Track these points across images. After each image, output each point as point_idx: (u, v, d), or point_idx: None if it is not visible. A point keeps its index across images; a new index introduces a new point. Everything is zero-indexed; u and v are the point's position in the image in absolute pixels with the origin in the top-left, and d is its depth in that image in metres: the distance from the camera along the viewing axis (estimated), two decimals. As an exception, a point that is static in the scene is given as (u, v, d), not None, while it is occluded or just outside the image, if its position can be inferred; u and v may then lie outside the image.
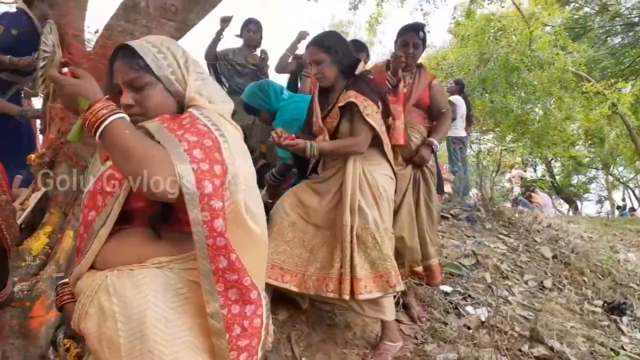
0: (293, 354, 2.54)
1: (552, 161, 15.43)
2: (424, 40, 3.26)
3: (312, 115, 2.80)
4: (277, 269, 2.61)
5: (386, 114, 2.78)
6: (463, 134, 7.34)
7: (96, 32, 2.75)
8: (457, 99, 7.22)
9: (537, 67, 9.36)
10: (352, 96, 2.56)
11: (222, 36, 4.70)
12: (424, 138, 3.19)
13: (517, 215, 6.54)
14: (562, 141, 10.84)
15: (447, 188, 7.78)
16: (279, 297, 2.79)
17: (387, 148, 2.71)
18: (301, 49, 4.42)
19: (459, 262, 4.42)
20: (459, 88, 7.36)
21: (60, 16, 2.79)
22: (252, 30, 4.74)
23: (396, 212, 3.04)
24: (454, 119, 7.29)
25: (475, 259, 4.57)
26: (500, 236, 5.55)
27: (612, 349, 3.30)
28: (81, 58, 2.69)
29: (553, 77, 9.49)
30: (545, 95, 9.74)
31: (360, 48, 4.03)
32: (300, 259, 2.62)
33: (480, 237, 5.37)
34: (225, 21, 4.63)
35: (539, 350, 2.92)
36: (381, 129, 2.63)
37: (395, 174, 2.81)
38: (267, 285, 2.62)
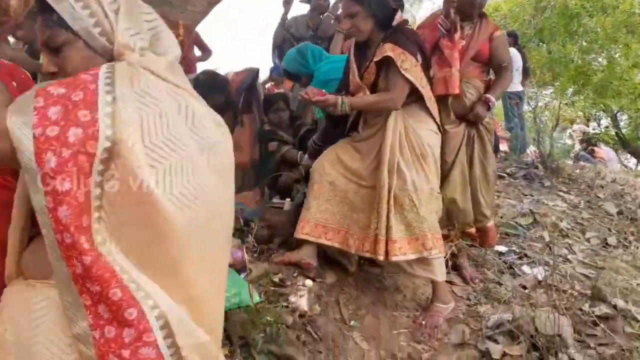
0: (342, 316, 2.53)
1: (618, 114, 14.51)
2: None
3: (349, 73, 2.69)
4: (320, 227, 2.61)
5: (427, 65, 2.65)
6: (519, 88, 6.97)
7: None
8: (512, 51, 6.83)
9: (599, 12, 8.67)
10: (388, 49, 2.43)
11: (287, 18, 4.57)
12: (481, 94, 2.98)
13: (578, 171, 6.21)
14: (629, 92, 10.08)
15: (503, 146, 7.50)
16: (326, 260, 2.79)
17: (430, 102, 2.59)
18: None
19: (516, 222, 4.26)
20: (512, 40, 6.95)
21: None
22: None
23: (448, 172, 2.95)
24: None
25: (533, 218, 4.39)
26: (560, 194, 5.29)
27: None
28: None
29: (618, 21, 8.77)
30: (609, 42, 9.01)
31: None
32: (342, 216, 2.60)
33: (539, 195, 5.15)
34: (288, 3, 4.51)
35: (601, 308, 2.77)
36: (421, 82, 2.49)
37: (441, 129, 2.71)
38: (312, 245, 2.66)
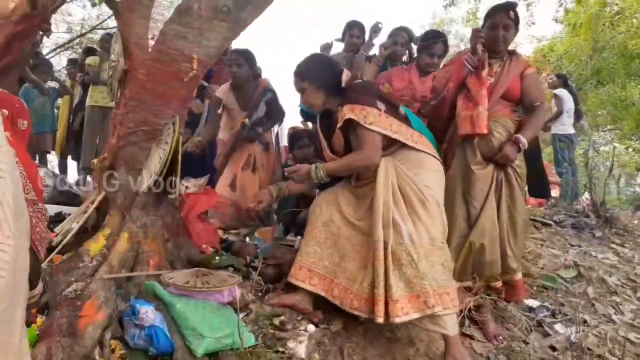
0: (345, 367, 2.35)
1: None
2: (515, 21, 2.86)
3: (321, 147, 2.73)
4: (305, 270, 2.54)
5: (394, 106, 2.60)
6: (571, 130, 6.62)
7: (152, 38, 2.80)
8: (562, 92, 6.55)
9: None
10: (347, 112, 2.42)
11: (372, 44, 4.51)
12: (510, 134, 2.79)
13: (636, 222, 5.74)
14: None
15: (554, 192, 7.08)
16: (333, 305, 2.63)
17: (413, 141, 2.52)
18: (378, 42, 4.21)
19: (557, 274, 3.93)
20: (562, 81, 6.67)
21: (124, 26, 2.89)
22: (354, 35, 4.39)
23: (477, 217, 2.77)
24: (559, 114, 6.63)
25: (577, 271, 4.04)
26: (613, 246, 4.89)
27: None
28: (139, 64, 2.76)
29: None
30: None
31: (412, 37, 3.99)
32: (330, 262, 2.51)
33: (587, 246, 4.77)
34: (376, 31, 4.51)
35: (644, 380, 2.46)
36: (392, 128, 2.46)
37: (443, 164, 2.67)
38: (305, 290, 2.55)
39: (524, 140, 2.72)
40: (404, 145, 2.50)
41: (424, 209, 2.36)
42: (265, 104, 4.06)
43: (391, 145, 2.51)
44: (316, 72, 2.57)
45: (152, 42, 2.78)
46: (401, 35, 4.02)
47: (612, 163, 5.66)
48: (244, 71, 3.88)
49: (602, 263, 4.37)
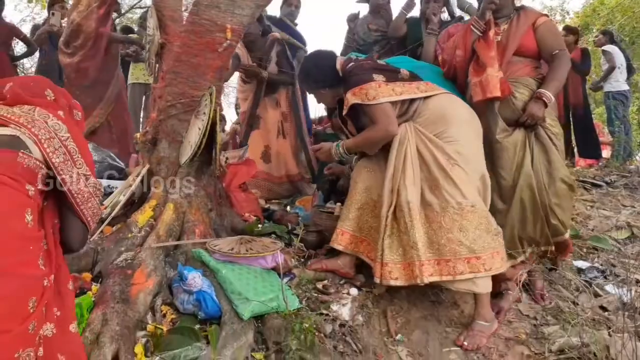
0: (388, 329, 2.37)
1: None
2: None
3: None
4: (347, 235, 2.60)
5: (393, 71, 2.56)
6: (625, 87, 6.29)
7: (186, 9, 2.81)
8: (612, 48, 6.22)
9: None
10: (350, 97, 2.44)
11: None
12: (534, 92, 2.58)
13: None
14: None
15: (606, 152, 6.80)
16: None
17: (428, 94, 2.52)
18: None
19: (609, 235, 3.79)
20: (608, 38, 6.30)
21: (159, 0, 2.93)
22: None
23: (511, 190, 2.59)
24: (611, 70, 6.29)
25: (630, 232, 3.89)
26: (668, 205, 4.66)
27: None
28: (174, 37, 2.79)
29: None
30: None
31: None
32: (370, 226, 2.54)
33: (641, 206, 4.57)
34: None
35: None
36: (395, 92, 2.45)
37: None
38: (347, 255, 2.60)
39: (548, 94, 2.51)
40: (415, 101, 2.48)
41: (445, 174, 2.31)
42: (275, 54, 4.16)
43: (406, 107, 2.49)
44: (313, 77, 2.65)
45: (185, 14, 2.80)
46: None
47: (668, 119, 5.36)
48: (253, 27, 3.85)
49: (657, 223, 4.18)
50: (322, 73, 2.61)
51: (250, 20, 2.73)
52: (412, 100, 2.48)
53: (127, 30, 6.44)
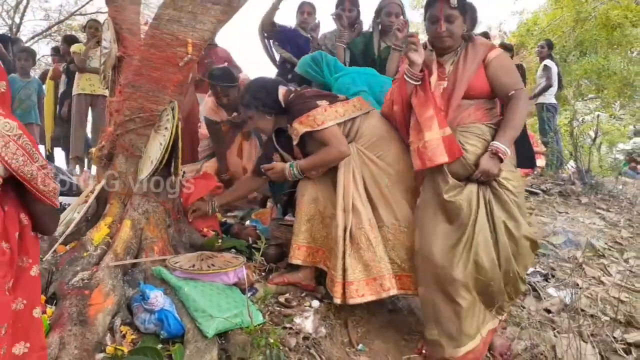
0: (349, 340, 2.43)
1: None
2: (461, 8, 2.26)
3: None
4: (303, 248, 2.63)
5: (332, 96, 2.67)
6: (554, 100, 6.72)
7: (145, 23, 2.78)
8: (552, 64, 6.61)
9: (643, 22, 8.27)
10: (297, 127, 2.52)
11: (278, 8, 4.55)
12: (489, 142, 2.21)
13: (620, 187, 5.89)
14: None
15: (540, 161, 7.21)
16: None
17: (358, 110, 2.61)
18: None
19: (547, 241, 4.04)
20: (548, 50, 6.71)
21: (116, 12, 2.89)
22: (347, 9, 4.28)
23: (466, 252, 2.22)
24: (549, 86, 6.69)
25: (566, 237, 4.16)
26: (599, 211, 5.03)
27: None
28: (133, 50, 2.76)
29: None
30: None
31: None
32: (321, 236, 2.63)
33: (574, 213, 4.90)
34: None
35: (634, 336, 2.57)
36: (339, 113, 2.53)
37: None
38: (307, 267, 2.65)
39: (503, 148, 2.14)
40: (355, 120, 2.57)
41: (383, 193, 2.46)
42: None
43: (349, 127, 2.57)
44: (259, 100, 2.66)
45: (145, 28, 2.77)
46: (395, 4, 3.86)
47: (596, 131, 5.79)
48: (232, 95, 3.85)
49: (589, 228, 4.50)
50: (269, 98, 2.66)
51: (210, 36, 2.74)
52: (353, 120, 2.57)
53: (71, 39, 6.23)
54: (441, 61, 2.33)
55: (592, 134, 5.76)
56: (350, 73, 3.22)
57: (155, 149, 2.47)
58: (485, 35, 5.95)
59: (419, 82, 2.27)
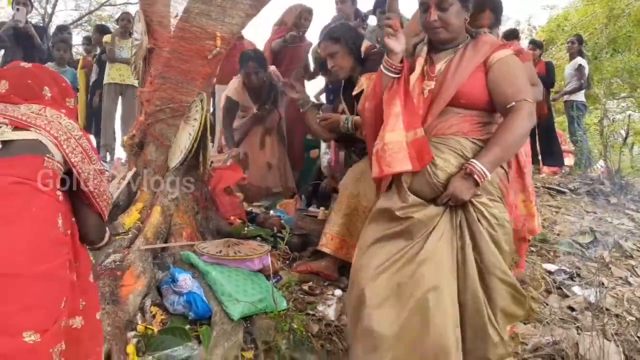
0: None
1: None
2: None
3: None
4: (336, 239, 2.64)
5: None
6: (584, 99, 6.61)
7: (176, 16, 2.85)
8: (584, 62, 6.48)
9: (679, 19, 8.05)
10: (364, 81, 2.50)
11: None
12: (466, 160, 1.75)
13: (651, 188, 5.76)
14: None
15: (569, 160, 7.11)
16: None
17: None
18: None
19: (573, 240, 4.00)
20: (579, 46, 6.56)
21: (147, 5, 2.96)
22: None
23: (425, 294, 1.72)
24: (581, 87, 6.57)
25: (593, 237, 4.11)
26: (628, 212, 4.93)
27: None
28: (163, 42, 2.83)
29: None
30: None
31: None
32: (355, 230, 2.58)
33: (603, 213, 4.82)
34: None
35: (661, 337, 2.54)
36: None
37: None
38: (330, 258, 2.66)
39: (480, 168, 1.68)
40: None
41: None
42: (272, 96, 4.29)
43: None
44: (349, 37, 2.67)
45: (175, 21, 2.83)
46: None
47: (627, 131, 5.66)
48: (260, 76, 4.00)
49: (618, 228, 4.42)
50: (357, 40, 2.70)
51: (239, 29, 2.80)
52: None
53: (103, 29, 6.38)
54: (435, 58, 1.90)
55: (623, 133, 5.64)
56: None
57: (184, 139, 2.54)
58: (514, 33, 5.87)
59: (398, 75, 1.86)
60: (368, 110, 1.97)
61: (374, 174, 1.87)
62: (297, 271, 2.67)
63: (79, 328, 1.40)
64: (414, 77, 1.85)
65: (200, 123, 2.46)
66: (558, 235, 4.11)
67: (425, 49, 1.92)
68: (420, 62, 1.88)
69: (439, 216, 1.77)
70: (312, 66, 5.15)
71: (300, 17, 4.78)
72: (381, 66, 1.89)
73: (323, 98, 5.10)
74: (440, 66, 1.86)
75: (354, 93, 2.59)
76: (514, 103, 1.72)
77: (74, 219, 1.47)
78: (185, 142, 2.54)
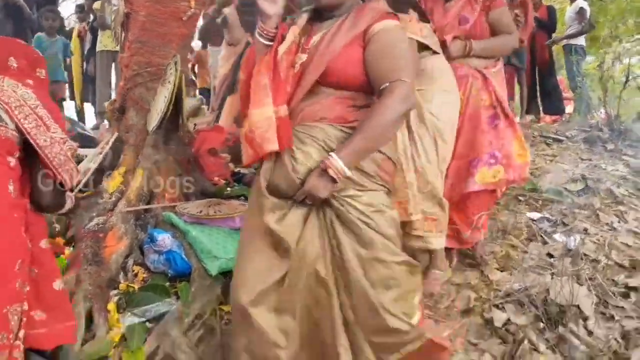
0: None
1: None
2: None
3: None
4: None
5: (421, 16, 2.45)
6: (583, 42, 6.42)
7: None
8: (586, 5, 6.26)
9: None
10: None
11: None
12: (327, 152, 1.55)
13: (652, 132, 5.67)
14: None
15: (569, 108, 7.00)
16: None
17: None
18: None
19: (564, 188, 4.00)
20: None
21: (124, -30, 2.94)
22: None
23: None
24: (584, 31, 6.36)
25: (585, 184, 4.10)
26: (625, 157, 4.88)
27: None
28: (139, 7, 2.83)
29: None
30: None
31: None
32: None
33: (599, 160, 4.79)
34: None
35: (638, 280, 2.59)
36: (423, 33, 2.37)
37: None
38: None
39: (337, 163, 1.48)
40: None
41: (423, 127, 2.36)
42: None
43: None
44: None
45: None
46: None
47: (627, 75, 5.53)
48: None
49: (611, 175, 4.40)
50: None
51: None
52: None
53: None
54: (316, 28, 1.65)
55: (624, 78, 5.51)
56: None
57: (160, 101, 2.58)
58: None
59: (271, 43, 1.62)
60: (242, 82, 1.73)
61: (247, 160, 1.65)
62: None
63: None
64: (282, 47, 1.60)
65: (174, 85, 2.49)
66: (550, 183, 4.10)
67: (304, 16, 1.66)
68: (294, 31, 1.63)
69: (305, 217, 1.58)
70: None
71: None
72: (255, 33, 1.66)
73: None
74: (317, 37, 1.61)
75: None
76: (387, 84, 1.51)
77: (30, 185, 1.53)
78: (161, 105, 2.57)
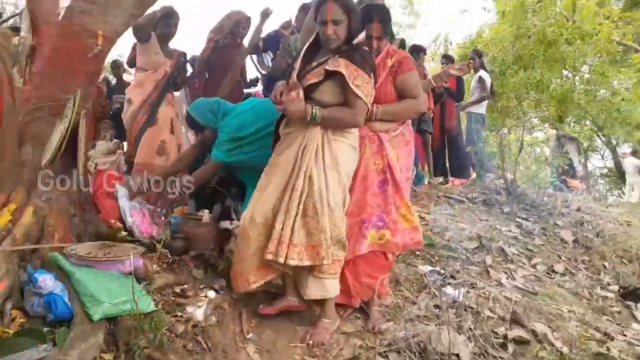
0: (242, 329, 2.53)
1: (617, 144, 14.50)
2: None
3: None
4: (259, 270, 2.61)
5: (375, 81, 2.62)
6: (484, 111, 7.02)
7: (59, 14, 2.84)
8: (486, 76, 6.86)
9: (577, 39, 8.71)
10: (342, 65, 2.44)
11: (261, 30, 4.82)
12: None
13: (545, 198, 6.19)
14: (626, 123, 10.04)
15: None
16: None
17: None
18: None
19: (460, 245, 4.25)
20: (480, 60, 6.90)
21: (32, 2, 2.92)
22: None
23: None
24: (483, 98, 6.92)
25: (479, 242, 4.38)
26: (518, 220, 5.29)
27: (606, 334, 3.06)
28: (46, 41, 2.81)
29: (598, 47, 8.87)
30: (581, 64, 9.16)
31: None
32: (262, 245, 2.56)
33: (495, 221, 5.14)
34: (266, 15, 4.70)
35: (515, 332, 2.76)
36: (370, 100, 2.53)
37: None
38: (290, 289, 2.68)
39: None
40: None
41: (335, 175, 2.51)
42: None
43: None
44: (358, 15, 2.55)
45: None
46: None
47: (521, 143, 6.07)
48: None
49: (504, 235, 4.74)
50: (360, 27, 2.57)
51: (123, 29, 2.81)
52: None
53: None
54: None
55: (519, 146, 6.04)
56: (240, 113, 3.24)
57: (56, 136, 2.52)
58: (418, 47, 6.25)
59: None
60: None
61: None
62: (263, 312, 2.65)
63: None
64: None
65: (71, 120, 2.45)
66: (448, 241, 4.34)
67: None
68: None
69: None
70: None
71: (239, 25, 4.84)
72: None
73: None
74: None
75: (327, 67, 2.49)
76: None
77: None
78: (55, 140, 2.52)
